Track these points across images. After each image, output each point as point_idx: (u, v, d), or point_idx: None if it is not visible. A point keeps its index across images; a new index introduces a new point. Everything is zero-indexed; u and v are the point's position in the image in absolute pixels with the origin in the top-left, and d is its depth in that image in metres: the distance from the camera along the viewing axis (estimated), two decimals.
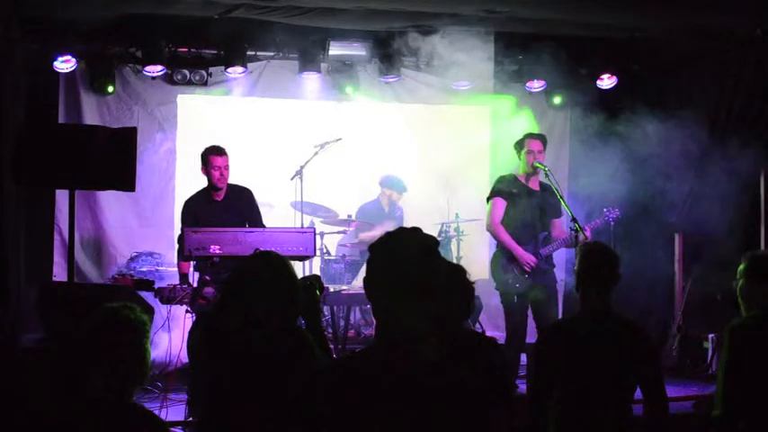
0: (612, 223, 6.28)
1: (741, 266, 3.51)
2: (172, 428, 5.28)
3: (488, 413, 2.19)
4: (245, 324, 3.08)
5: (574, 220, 5.82)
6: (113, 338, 2.68)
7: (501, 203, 6.09)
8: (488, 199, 6.21)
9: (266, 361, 3.02)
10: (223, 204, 6.02)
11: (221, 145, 6.11)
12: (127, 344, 2.69)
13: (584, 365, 3.30)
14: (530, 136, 6.22)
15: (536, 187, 6.15)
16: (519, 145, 6.19)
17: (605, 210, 6.30)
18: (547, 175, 6.01)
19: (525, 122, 8.52)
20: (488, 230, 6.24)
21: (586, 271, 3.40)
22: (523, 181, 6.14)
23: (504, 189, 6.10)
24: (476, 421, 2.10)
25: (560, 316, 6.39)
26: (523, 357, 6.34)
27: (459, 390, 2.10)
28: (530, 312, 6.11)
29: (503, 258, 6.10)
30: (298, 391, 2.14)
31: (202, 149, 6.08)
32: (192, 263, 5.79)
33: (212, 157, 5.95)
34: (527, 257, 5.96)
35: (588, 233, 5.86)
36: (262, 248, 5.18)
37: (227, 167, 5.95)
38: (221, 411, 3.09)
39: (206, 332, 3.27)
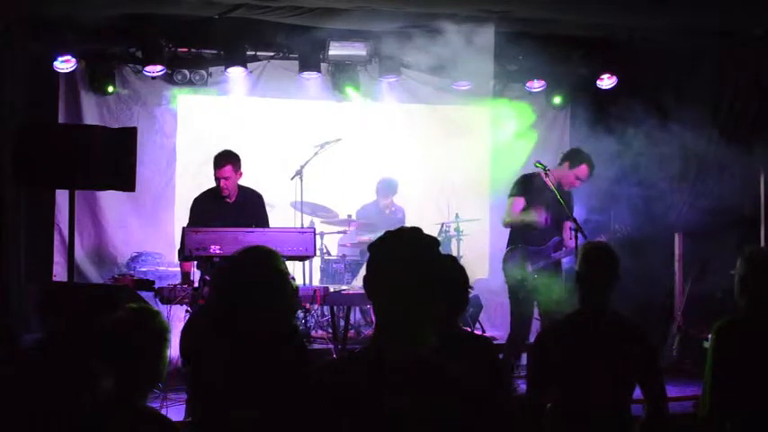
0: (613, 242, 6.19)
1: (739, 261, 3.51)
2: None
3: (487, 413, 2.19)
4: (237, 321, 3.07)
5: (573, 220, 5.81)
6: (135, 343, 2.67)
7: (520, 203, 6.02)
8: (509, 196, 6.12)
9: (261, 359, 3.02)
10: (235, 206, 6.04)
11: (225, 148, 6.12)
12: (148, 349, 2.69)
13: (583, 365, 3.30)
14: (588, 163, 6.10)
15: (560, 188, 6.11)
16: (576, 160, 6.10)
17: (617, 226, 6.23)
18: (547, 175, 6.00)
19: (525, 122, 8.53)
20: (504, 225, 6.14)
21: (587, 270, 3.40)
22: (548, 182, 6.08)
23: (525, 188, 6.05)
24: (475, 421, 2.10)
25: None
26: (523, 357, 6.32)
27: (459, 390, 2.10)
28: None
29: (515, 254, 6.07)
30: (296, 390, 2.14)
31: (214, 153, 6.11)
32: (194, 262, 5.79)
33: (214, 167, 6.00)
34: (538, 215, 5.90)
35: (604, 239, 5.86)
36: None
37: (227, 178, 5.96)
38: (218, 411, 3.09)
39: (199, 331, 3.26)
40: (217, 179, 6.00)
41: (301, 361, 3.06)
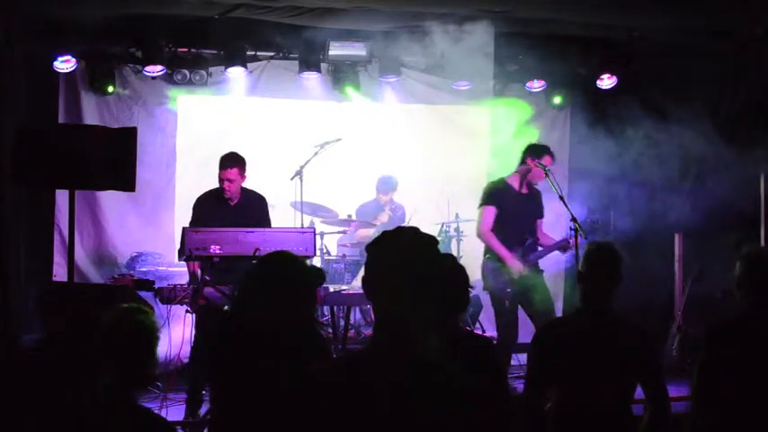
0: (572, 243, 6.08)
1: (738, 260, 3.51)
2: None
3: (487, 413, 2.19)
4: (261, 324, 3.10)
5: (574, 219, 5.82)
6: (127, 342, 2.68)
7: (492, 211, 6.09)
8: (480, 206, 6.20)
9: (283, 360, 3.04)
10: (237, 208, 6.04)
11: (230, 149, 6.12)
12: (139, 348, 2.69)
13: (583, 365, 3.29)
14: (548, 152, 6.17)
15: (526, 191, 6.18)
16: (535, 153, 6.13)
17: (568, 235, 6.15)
18: (547, 175, 6.01)
19: (525, 122, 8.53)
20: (478, 237, 6.23)
21: (590, 270, 3.39)
22: (516, 186, 6.15)
23: (495, 197, 6.11)
24: (475, 422, 2.10)
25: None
26: (522, 358, 6.34)
27: (459, 390, 2.10)
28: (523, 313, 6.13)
29: (492, 264, 6.11)
30: (297, 391, 2.14)
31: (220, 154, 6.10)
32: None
33: (220, 168, 5.98)
34: (516, 265, 5.97)
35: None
36: (262, 248, 5.18)
37: (232, 181, 5.95)
38: (235, 411, 3.11)
39: (224, 334, 3.29)
40: (221, 180, 5.99)
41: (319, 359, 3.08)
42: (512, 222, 6.08)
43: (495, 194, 6.12)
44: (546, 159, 6.10)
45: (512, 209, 6.08)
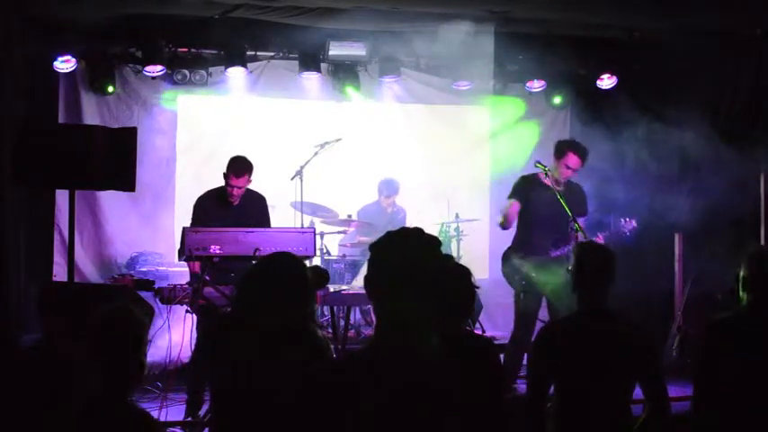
0: (629, 234, 6.16)
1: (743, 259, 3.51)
2: (172, 428, 5.28)
3: (486, 413, 2.19)
4: (260, 324, 3.10)
5: (574, 220, 5.81)
6: (112, 340, 2.69)
7: (514, 206, 6.06)
8: (507, 198, 6.17)
9: (272, 357, 3.04)
10: (238, 208, 6.03)
11: (231, 150, 6.10)
12: (125, 346, 2.70)
13: (582, 365, 3.30)
14: (574, 149, 6.00)
15: (560, 187, 6.06)
16: (559, 150, 6.06)
17: (622, 221, 6.19)
18: (547, 175, 6.00)
19: (525, 122, 8.53)
20: (499, 225, 6.23)
21: (581, 271, 3.40)
22: (546, 182, 6.06)
23: (519, 191, 6.08)
24: (474, 422, 2.10)
25: None
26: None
27: (458, 390, 2.10)
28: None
29: (513, 256, 6.09)
30: (297, 391, 2.14)
31: (230, 157, 6.06)
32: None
33: (231, 175, 5.93)
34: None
35: (601, 240, 5.84)
36: (262, 248, 5.18)
37: (241, 188, 5.93)
38: (235, 412, 3.11)
39: (223, 334, 3.30)
40: (230, 185, 5.96)
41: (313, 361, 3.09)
42: (539, 217, 6.00)
43: (521, 188, 6.09)
44: (568, 157, 5.95)
45: (538, 204, 6.01)
